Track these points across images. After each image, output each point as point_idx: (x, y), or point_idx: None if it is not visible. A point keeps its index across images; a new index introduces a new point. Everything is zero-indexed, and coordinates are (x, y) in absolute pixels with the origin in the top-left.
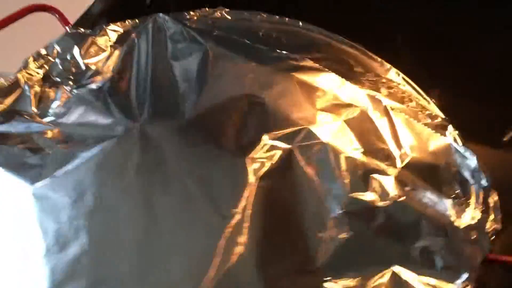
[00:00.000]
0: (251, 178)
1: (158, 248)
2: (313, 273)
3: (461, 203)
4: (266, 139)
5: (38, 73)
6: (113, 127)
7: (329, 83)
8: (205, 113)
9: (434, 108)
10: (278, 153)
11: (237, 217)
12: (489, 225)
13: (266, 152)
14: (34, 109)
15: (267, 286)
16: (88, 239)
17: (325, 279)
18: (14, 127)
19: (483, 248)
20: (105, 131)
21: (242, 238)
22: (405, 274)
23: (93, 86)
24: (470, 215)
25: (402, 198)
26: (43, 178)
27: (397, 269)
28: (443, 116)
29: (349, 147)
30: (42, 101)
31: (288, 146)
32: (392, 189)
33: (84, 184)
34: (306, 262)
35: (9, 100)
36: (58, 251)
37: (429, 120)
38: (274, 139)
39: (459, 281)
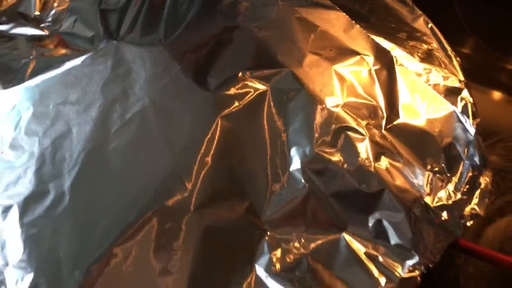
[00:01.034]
0: (216, 118)
1: (100, 179)
2: (256, 224)
3: (442, 179)
4: (242, 76)
5: None
6: (94, 41)
7: (335, 24)
8: (184, 41)
9: (454, 68)
10: (250, 93)
11: (188, 159)
12: (468, 210)
13: (238, 90)
14: (36, 13)
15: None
16: (40, 149)
17: (268, 233)
18: (11, 28)
19: (450, 233)
20: (85, 44)
21: (189, 184)
22: (355, 244)
23: None
24: (446, 194)
25: (370, 165)
26: (15, 84)
27: (347, 237)
28: (462, 79)
29: (330, 98)
30: (45, 6)
31: (263, 87)
32: (363, 152)
33: (49, 95)
34: (252, 212)
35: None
36: (9, 155)
37: (441, 81)
38: (251, 77)
39: (408, 262)
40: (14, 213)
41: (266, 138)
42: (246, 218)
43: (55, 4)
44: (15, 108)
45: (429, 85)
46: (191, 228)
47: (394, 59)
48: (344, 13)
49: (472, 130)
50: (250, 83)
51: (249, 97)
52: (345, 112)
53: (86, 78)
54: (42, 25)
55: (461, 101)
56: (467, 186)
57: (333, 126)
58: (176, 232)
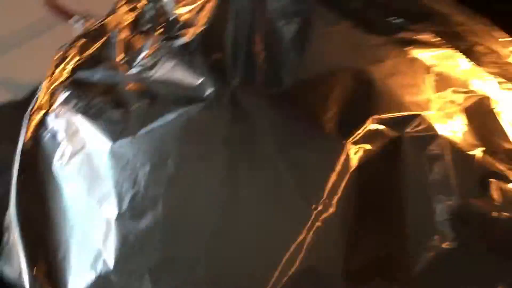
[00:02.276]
0: (349, 166)
1: (235, 231)
2: (403, 281)
3: None
4: (371, 123)
5: (127, 18)
6: (202, 89)
7: (449, 63)
8: (304, 84)
9: None
10: (383, 140)
11: (328, 209)
12: None
13: (370, 138)
14: (120, 58)
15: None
16: (164, 210)
17: None
18: (97, 75)
19: None
20: (193, 92)
21: (331, 235)
22: None
23: (185, 39)
24: None
25: None
26: (124, 136)
27: None
28: None
29: (468, 143)
30: (129, 50)
31: (396, 134)
32: None
33: (166, 149)
34: (398, 268)
35: (94, 46)
36: (131, 218)
37: None
38: (380, 123)
39: None
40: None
41: (406, 187)
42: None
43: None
44: (129, 162)
45: None
46: None
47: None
48: (454, 50)
49: None
50: (381, 129)
51: (382, 144)
52: (488, 157)
53: (204, 128)
54: (131, 71)
55: None
56: None
57: (479, 174)
58: None
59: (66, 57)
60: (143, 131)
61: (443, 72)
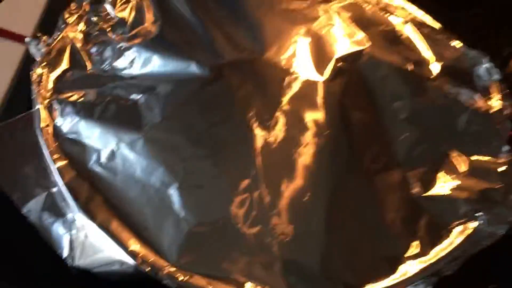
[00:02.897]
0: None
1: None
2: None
3: (486, 94)
4: (336, 63)
5: (79, 29)
6: (192, 70)
7: (358, 8)
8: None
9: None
10: (349, 73)
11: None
12: (508, 110)
13: (340, 73)
14: (90, 66)
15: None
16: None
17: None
18: (80, 84)
19: (507, 127)
20: (184, 75)
21: None
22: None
23: (148, 34)
24: (493, 103)
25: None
26: (148, 124)
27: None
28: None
29: (402, 61)
30: (96, 56)
31: (355, 66)
32: None
33: (192, 124)
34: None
35: (63, 60)
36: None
37: (435, 33)
38: (342, 61)
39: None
40: None
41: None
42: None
43: None
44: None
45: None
46: None
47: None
48: None
49: (484, 57)
50: (344, 66)
51: (349, 76)
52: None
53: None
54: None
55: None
56: (499, 95)
57: (415, 79)
58: None
59: (42, 75)
60: (164, 114)
61: (358, 15)
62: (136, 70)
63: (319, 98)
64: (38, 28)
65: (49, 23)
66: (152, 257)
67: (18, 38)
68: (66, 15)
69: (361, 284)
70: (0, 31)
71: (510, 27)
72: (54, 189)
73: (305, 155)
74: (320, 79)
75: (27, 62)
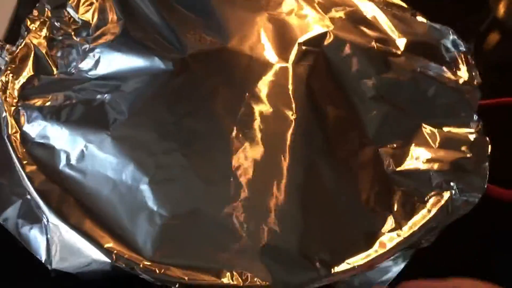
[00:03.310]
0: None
1: None
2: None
3: (453, 67)
4: (299, 46)
5: (42, 34)
6: (157, 64)
7: None
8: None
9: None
10: (312, 56)
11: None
12: (476, 80)
13: (304, 56)
14: (56, 70)
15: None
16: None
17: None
18: (45, 89)
19: (476, 97)
20: (151, 68)
21: None
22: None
23: (109, 36)
24: (461, 74)
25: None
26: (115, 123)
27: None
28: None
29: (365, 40)
30: (61, 60)
31: (318, 49)
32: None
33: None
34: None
35: (26, 67)
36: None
37: (400, 11)
38: (305, 45)
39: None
40: None
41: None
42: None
43: None
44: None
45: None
46: None
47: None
48: None
49: (448, 30)
50: (307, 49)
51: (314, 59)
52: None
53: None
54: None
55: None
56: (466, 66)
57: (380, 56)
58: None
59: (8, 83)
60: (129, 111)
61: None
62: (101, 70)
63: (287, 83)
64: (4, 37)
65: (17, 31)
66: (127, 253)
67: None
68: (28, 22)
69: (339, 260)
70: None
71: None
72: (29, 196)
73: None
74: (285, 64)
75: None
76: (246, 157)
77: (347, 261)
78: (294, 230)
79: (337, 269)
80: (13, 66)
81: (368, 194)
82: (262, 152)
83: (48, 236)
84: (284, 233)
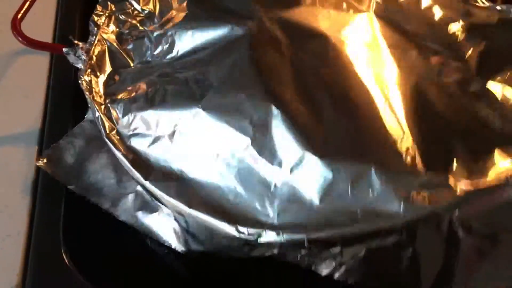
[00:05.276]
0: None
1: None
2: None
3: None
4: None
5: (111, 30)
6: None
7: None
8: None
9: None
10: None
11: None
12: None
13: None
14: (133, 62)
15: None
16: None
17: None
18: (130, 80)
19: None
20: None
21: None
22: None
23: (177, 18)
24: None
25: None
26: (204, 96)
27: None
28: None
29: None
30: (134, 52)
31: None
32: None
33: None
34: None
35: (106, 63)
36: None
37: None
38: None
39: None
40: None
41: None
42: None
43: None
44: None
45: None
46: None
47: None
48: None
49: None
50: None
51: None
52: None
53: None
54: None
55: None
56: None
57: None
58: None
59: (91, 82)
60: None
61: None
62: (178, 51)
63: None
64: (58, 35)
65: (67, 28)
66: (251, 222)
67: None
68: (96, 18)
69: None
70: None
71: None
72: (139, 188)
73: None
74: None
75: (56, 71)
76: None
77: None
78: None
79: None
80: (92, 64)
81: None
82: None
83: (173, 222)
84: None
